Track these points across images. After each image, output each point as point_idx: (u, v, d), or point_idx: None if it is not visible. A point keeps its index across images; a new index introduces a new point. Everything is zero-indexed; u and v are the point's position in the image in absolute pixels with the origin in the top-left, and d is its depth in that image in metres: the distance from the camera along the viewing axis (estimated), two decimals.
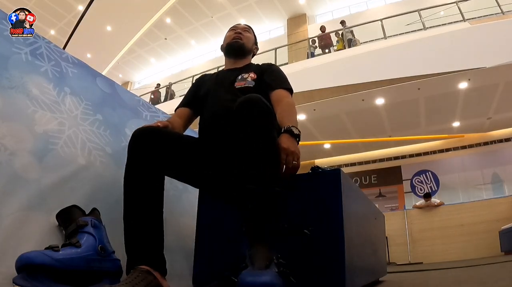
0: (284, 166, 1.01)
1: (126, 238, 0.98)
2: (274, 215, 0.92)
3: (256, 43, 1.59)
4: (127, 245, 0.97)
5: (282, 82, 1.36)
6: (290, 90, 1.35)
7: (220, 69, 1.59)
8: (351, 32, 8.21)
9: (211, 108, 1.35)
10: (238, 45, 1.48)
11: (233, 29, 1.56)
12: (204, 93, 1.43)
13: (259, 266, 0.80)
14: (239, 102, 1.01)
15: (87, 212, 1.02)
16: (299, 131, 1.10)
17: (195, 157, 1.20)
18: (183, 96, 1.54)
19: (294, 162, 1.02)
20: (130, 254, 0.95)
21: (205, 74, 1.58)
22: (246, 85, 1.34)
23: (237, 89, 1.34)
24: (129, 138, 1.09)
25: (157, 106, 2.04)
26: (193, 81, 1.57)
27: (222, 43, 1.57)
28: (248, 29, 1.57)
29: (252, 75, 1.39)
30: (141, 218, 0.98)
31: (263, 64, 1.50)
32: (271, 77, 1.37)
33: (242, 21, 11.14)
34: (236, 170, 1.00)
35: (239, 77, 1.39)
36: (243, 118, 0.98)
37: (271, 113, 1.03)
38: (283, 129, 1.08)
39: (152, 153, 1.06)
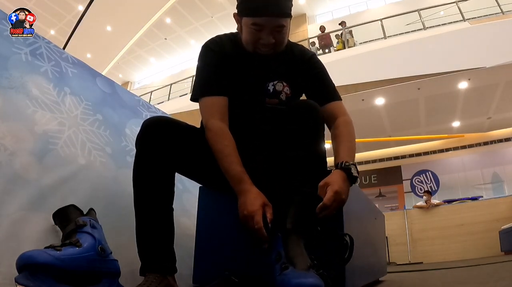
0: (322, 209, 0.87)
1: (138, 240, 0.98)
2: (312, 217, 0.89)
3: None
4: (140, 248, 0.97)
5: (333, 89, 1.12)
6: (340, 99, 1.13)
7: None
8: (350, 32, 8.21)
9: (242, 119, 1.10)
10: (267, 55, 1.09)
11: (259, 29, 1.02)
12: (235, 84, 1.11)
13: (301, 267, 0.78)
14: (296, 108, 0.96)
15: (85, 212, 1.02)
16: (358, 173, 0.91)
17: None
18: (207, 76, 1.09)
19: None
20: (143, 259, 0.96)
21: (222, 47, 1.11)
22: (278, 107, 1.08)
23: (268, 109, 1.10)
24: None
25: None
26: (209, 55, 1.11)
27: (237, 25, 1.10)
28: (284, 24, 1.06)
29: (286, 89, 1.11)
30: (152, 222, 0.97)
31: (300, 55, 1.14)
32: (321, 84, 1.11)
33: None
34: (281, 171, 0.95)
35: (271, 84, 1.11)
36: (298, 124, 0.93)
37: (323, 126, 0.98)
38: (339, 164, 0.92)
39: (164, 146, 0.97)
